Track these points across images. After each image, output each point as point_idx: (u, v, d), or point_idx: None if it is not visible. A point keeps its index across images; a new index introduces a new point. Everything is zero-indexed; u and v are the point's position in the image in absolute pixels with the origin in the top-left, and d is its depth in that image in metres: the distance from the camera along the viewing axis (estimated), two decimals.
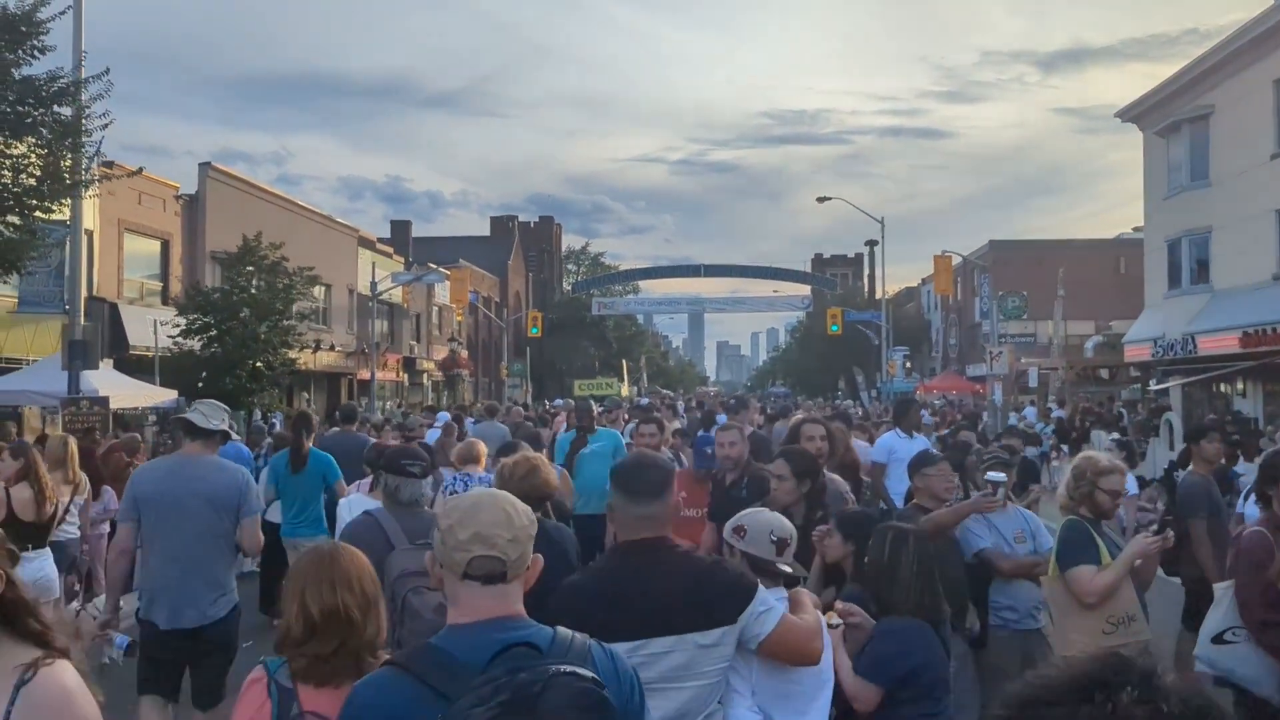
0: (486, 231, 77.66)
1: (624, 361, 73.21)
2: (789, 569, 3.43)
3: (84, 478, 8.50)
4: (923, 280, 67.22)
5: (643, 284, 72.06)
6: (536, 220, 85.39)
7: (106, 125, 13.80)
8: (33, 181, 13.05)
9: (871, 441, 9.75)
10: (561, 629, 2.15)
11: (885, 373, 47.35)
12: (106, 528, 10.44)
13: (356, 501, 6.13)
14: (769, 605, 2.99)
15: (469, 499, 2.24)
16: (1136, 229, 54.38)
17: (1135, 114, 29.55)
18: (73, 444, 8.23)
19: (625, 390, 57.29)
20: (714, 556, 3.39)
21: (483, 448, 7.34)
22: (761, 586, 3.06)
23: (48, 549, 7.13)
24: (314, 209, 37.13)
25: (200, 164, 29.13)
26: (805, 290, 62.28)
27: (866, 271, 75.12)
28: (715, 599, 2.88)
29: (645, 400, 26.07)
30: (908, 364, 51.22)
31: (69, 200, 14.59)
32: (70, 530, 8.31)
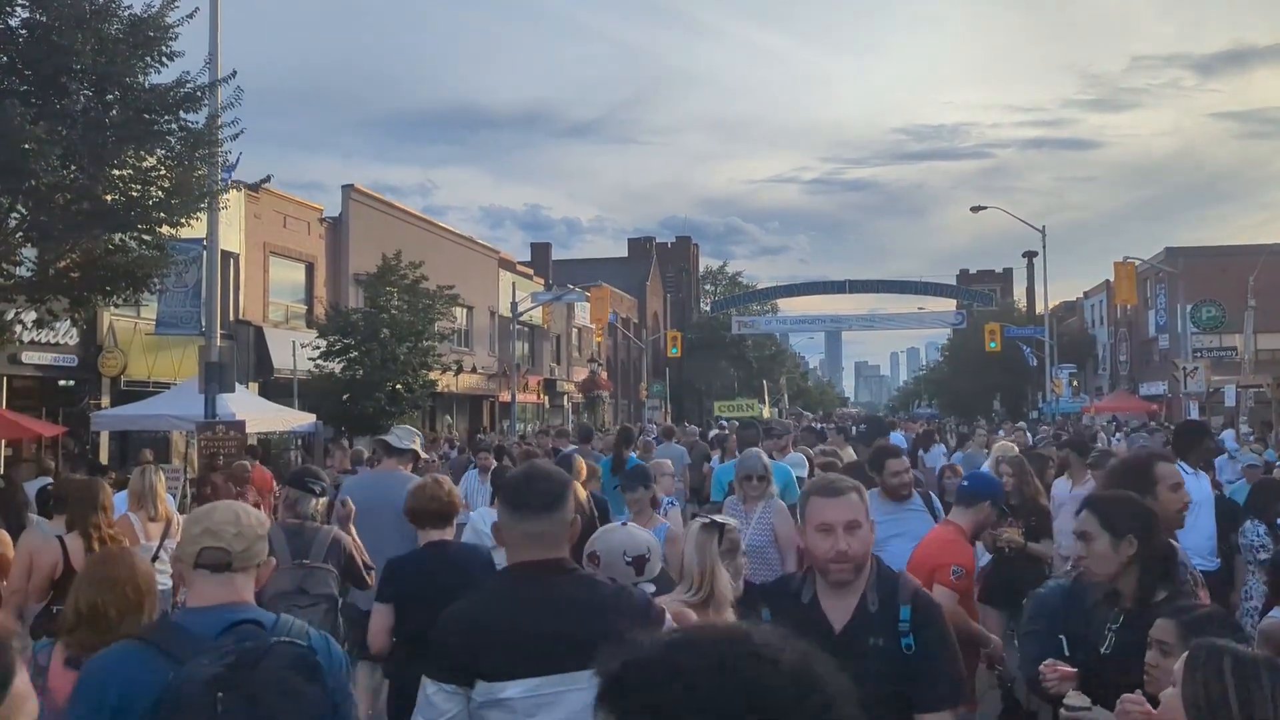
0: (623, 253, 77.15)
1: (764, 382, 71.24)
2: (654, 588, 3.10)
3: (176, 516, 7.34)
4: (1085, 294, 62.96)
5: (780, 304, 70.19)
6: (673, 241, 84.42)
7: (238, 134, 13.09)
8: (161, 194, 12.39)
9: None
10: (284, 616, 2.54)
11: (1050, 392, 44.02)
12: None
13: (487, 513, 6.85)
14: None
15: (207, 506, 2.70)
16: None
17: None
18: (155, 477, 7.07)
19: (766, 412, 55.44)
20: (618, 584, 2.84)
21: (668, 466, 8.15)
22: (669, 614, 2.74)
23: None
24: (455, 230, 36.87)
25: (343, 185, 29.03)
26: (951, 306, 59.33)
27: (1024, 285, 70.85)
28: (616, 629, 2.06)
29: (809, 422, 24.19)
30: (1074, 382, 47.59)
31: (202, 215, 13.95)
32: (160, 580, 7.16)
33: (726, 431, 16.31)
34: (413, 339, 22.02)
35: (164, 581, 7.12)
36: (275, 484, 14.13)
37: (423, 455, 7.81)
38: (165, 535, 7.09)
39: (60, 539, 5.66)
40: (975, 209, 45.98)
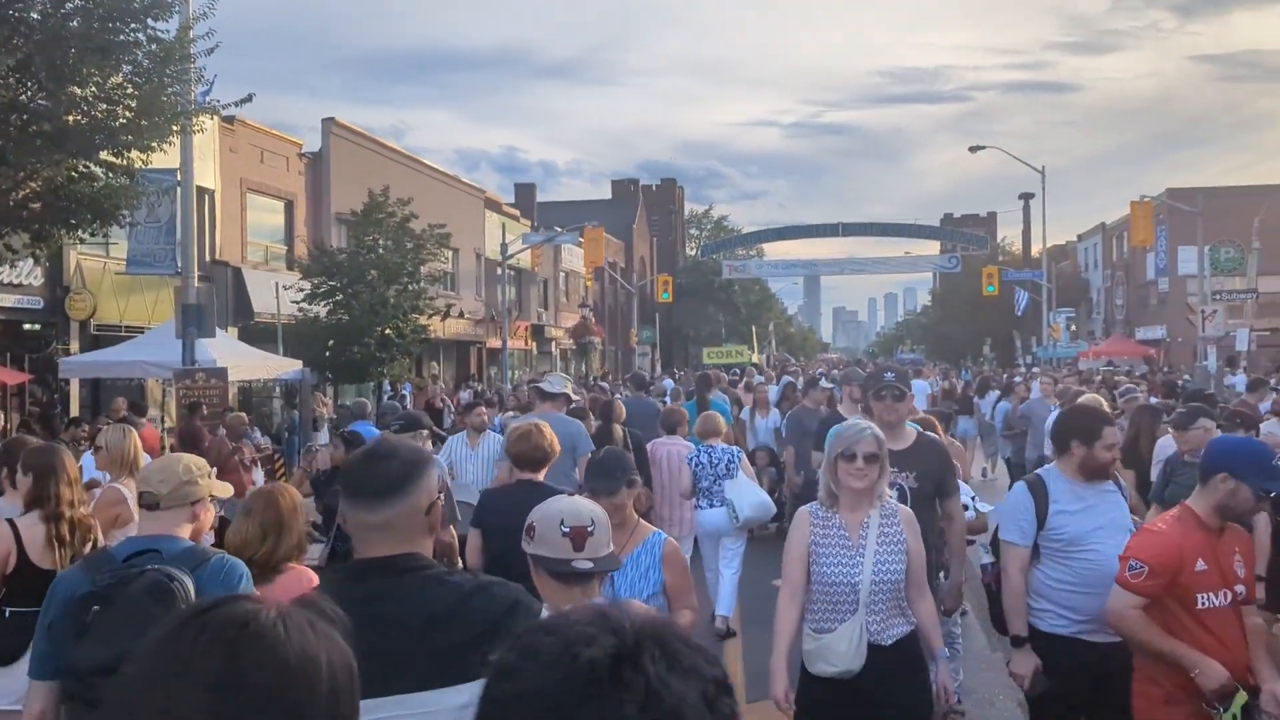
0: (606, 196, 75.50)
1: (753, 327, 70.33)
2: (589, 565, 2.65)
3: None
4: (1079, 236, 62.17)
5: (765, 248, 68.91)
6: (658, 183, 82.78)
7: (213, 48, 11.75)
8: (129, 115, 11.08)
9: None
10: (211, 548, 3.19)
11: (1047, 336, 43.29)
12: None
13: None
14: None
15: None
16: None
17: None
18: (133, 436, 5.91)
19: (756, 357, 54.52)
20: (486, 578, 2.33)
21: (721, 422, 8.42)
22: (546, 610, 2.30)
23: None
24: (441, 168, 35.37)
25: (324, 119, 27.50)
26: (935, 250, 58.21)
27: (1011, 230, 70.03)
28: (475, 638, 2.07)
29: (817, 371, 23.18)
30: (1072, 327, 46.91)
31: (175, 142, 12.64)
32: None
33: (761, 379, 15.22)
34: (403, 281, 20.80)
35: None
36: (251, 433, 13.10)
37: (573, 398, 8.58)
38: None
39: (11, 522, 4.55)
40: (974, 149, 44.82)
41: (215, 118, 16.77)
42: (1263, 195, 38.72)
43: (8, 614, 4.46)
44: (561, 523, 2.69)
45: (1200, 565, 3.41)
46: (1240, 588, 3.41)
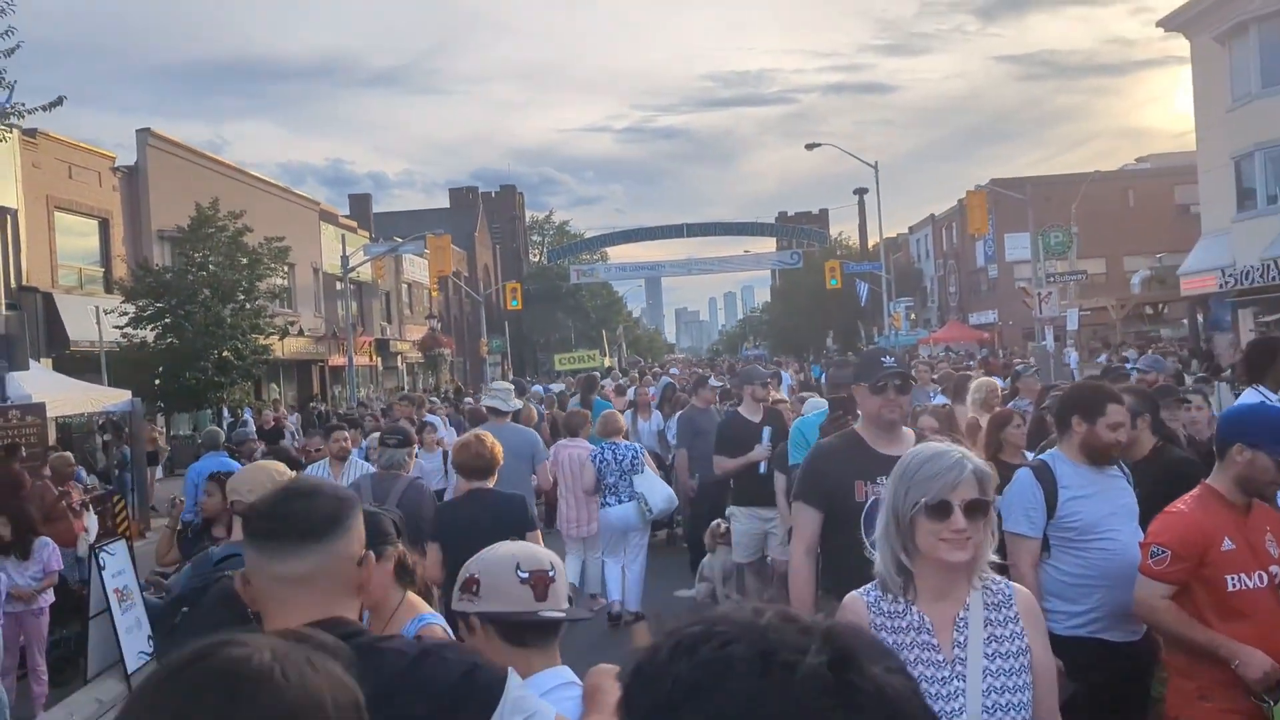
0: (444, 205, 73.85)
1: (603, 332, 70.22)
2: (561, 614, 2.19)
3: None
4: (910, 228, 64.78)
5: (608, 253, 68.88)
6: (498, 190, 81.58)
7: (14, 49, 10.46)
8: None
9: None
10: None
11: (889, 325, 44.75)
12: (47, 599, 7.27)
13: None
14: (531, 711, 1.84)
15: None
16: (1140, 159, 52.34)
17: (1183, 20, 26.83)
18: None
19: (608, 361, 54.34)
20: (432, 642, 2.01)
21: (622, 420, 8.67)
22: (515, 676, 1.88)
23: None
24: (271, 180, 33.53)
25: (139, 130, 25.49)
26: (771, 247, 59.58)
27: (845, 225, 72.52)
28: (428, 715, 1.75)
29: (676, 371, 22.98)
30: (911, 315, 48.71)
31: None
32: None
33: (673, 379, 14.77)
34: (239, 299, 19.40)
35: None
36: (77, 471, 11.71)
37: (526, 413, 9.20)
38: None
39: None
40: (810, 146, 45.84)
41: (15, 131, 15.16)
42: (1077, 183, 41.25)
43: None
44: (518, 567, 2.20)
45: (1227, 544, 3.13)
46: (1276, 568, 3.14)
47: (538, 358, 68.14)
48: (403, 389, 44.03)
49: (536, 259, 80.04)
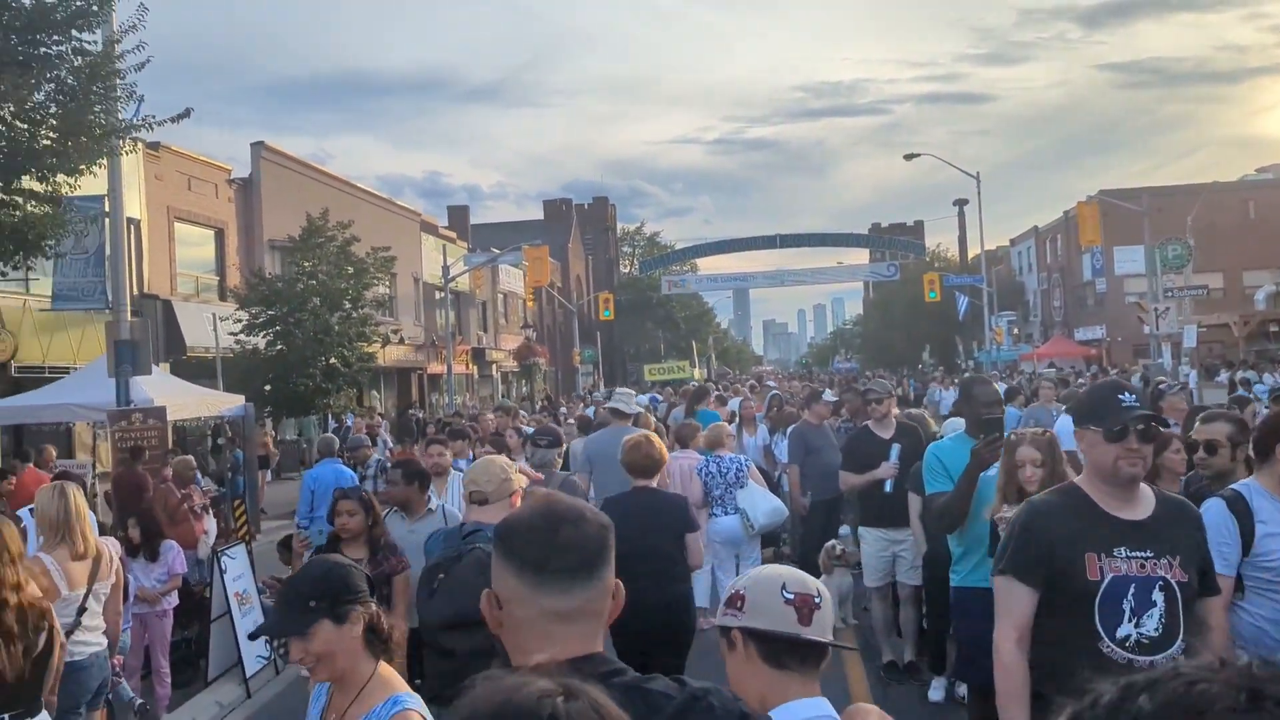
0: (537, 216, 74.64)
1: (693, 343, 70.02)
2: (825, 640, 2.10)
3: (106, 549, 5.26)
4: (1011, 241, 63.13)
5: (697, 264, 68.53)
6: (590, 202, 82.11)
7: (144, 64, 10.81)
8: (52, 136, 10.11)
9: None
10: None
11: (990, 340, 43.59)
12: (171, 601, 7.42)
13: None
14: None
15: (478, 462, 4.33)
16: (1261, 170, 50.08)
17: None
18: (77, 498, 4.99)
19: (697, 373, 54.11)
20: (697, 687, 1.71)
21: (727, 432, 8.86)
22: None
23: (43, 715, 3.89)
24: (374, 192, 34.30)
25: (253, 144, 26.33)
26: (865, 259, 58.48)
27: (944, 236, 70.89)
28: None
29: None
30: (1014, 330, 47.39)
31: (103, 164, 11.64)
32: (89, 643, 4.95)
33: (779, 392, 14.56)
34: (345, 307, 19.83)
35: (92, 642, 5.06)
36: (197, 477, 12.00)
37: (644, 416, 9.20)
38: (94, 578, 5.06)
39: None
40: (908, 156, 45.27)
41: (139, 144, 15.73)
42: (1193, 194, 39.60)
43: None
44: (784, 588, 2.15)
45: None
46: None
47: (627, 368, 68.33)
48: (500, 397, 44.55)
49: (627, 270, 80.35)
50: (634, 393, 8.45)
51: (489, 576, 2.74)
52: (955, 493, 4.35)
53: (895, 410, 7.30)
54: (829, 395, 10.95)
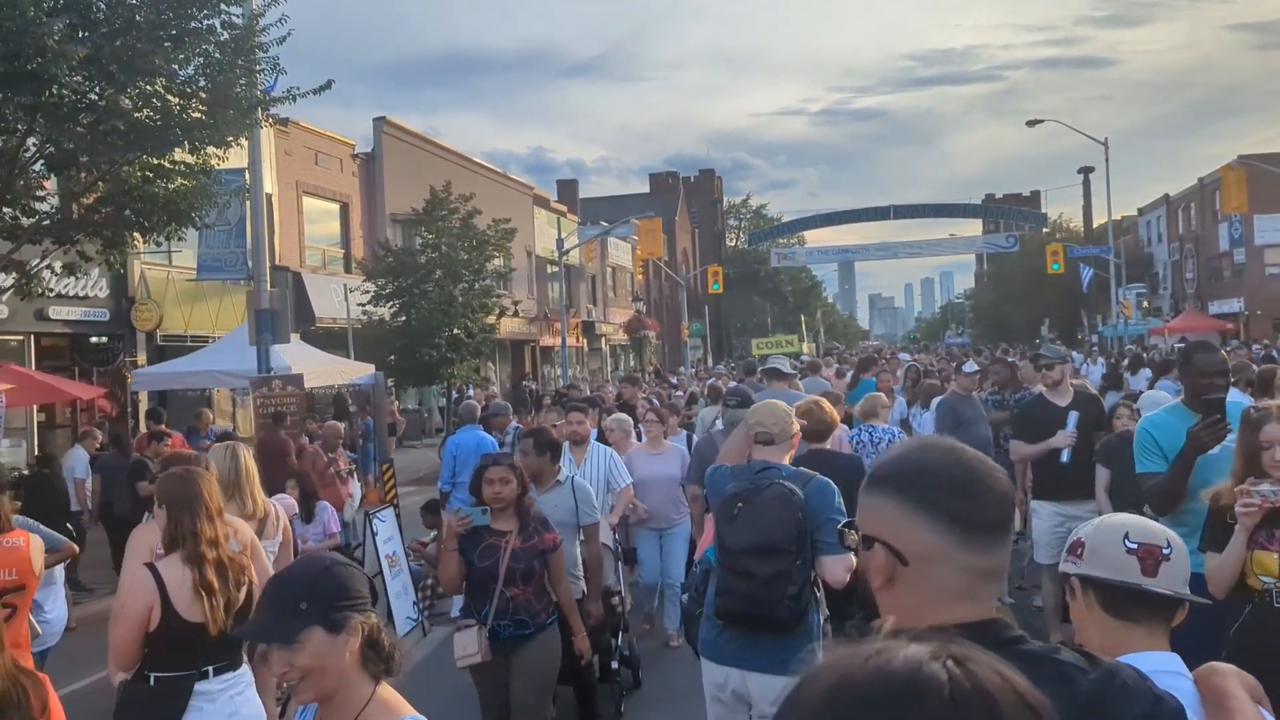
0: (644, 190, 74.52)
1: (801, 316, 69.20)
2: (1169, 593, 2.03)
3: (274, 509, 5.36)
4: (1140, 210, 60.38)
5: (803, 236, 67.47)
6: (696, 175, 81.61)
7: (285, 37, 11.01)
8: (202, 110, 10.39)
9: None
10: (804, 470, 4.00)
11: (1117, 313, 41.78)
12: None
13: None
14: None
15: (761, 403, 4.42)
16: None
17: None
18: (247, 458, 5.02)
19: (807, 348, 53.40)
20: (1110, 663, 1.55)
21: (883, 402, 8.49)
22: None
23: (244, 667, 3.94)
24: (490, 166, 34.68)
25: (375, 119, 26.86)
26: (978, 231, 56.50)
27: (1068, 206, 68.28)
28: None
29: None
30: (1144, 303, 45.37)
31: (246, 139, 11.94)
32: None
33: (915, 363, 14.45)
34: (468, 279, 20.09)
35: None
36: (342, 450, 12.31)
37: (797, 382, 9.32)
38: (260, 537, 5.13)
39: (152, 568, 3.76)
40: (1031, 123, 43.48)
41: (271, 120, 16.14)
42: None
43: (152, 680, 3.68)
44: (1126, 536, 2.10)
45: None
46: None
47: (733, 342, 67.96)
48: (609, 370, 44.82)
49: (734, 243, 79.75)
50: (786, 357, 8.86)
51: (791, 509, 3.75)
52: (1169, 477, 3.99)
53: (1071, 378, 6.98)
54: (970, 366, 10.59)
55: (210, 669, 3.74)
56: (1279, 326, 39.21)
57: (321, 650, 2.03)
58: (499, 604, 4.61)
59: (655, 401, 12.04)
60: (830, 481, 3.88)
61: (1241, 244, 40.68)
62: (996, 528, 1.50)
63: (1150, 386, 10.61)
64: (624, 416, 8.33)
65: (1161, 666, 1.90)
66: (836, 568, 3.68)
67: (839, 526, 1.68)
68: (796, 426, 4.18)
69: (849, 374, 16.71)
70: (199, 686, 3.70)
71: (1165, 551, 2.05)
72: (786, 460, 4.04)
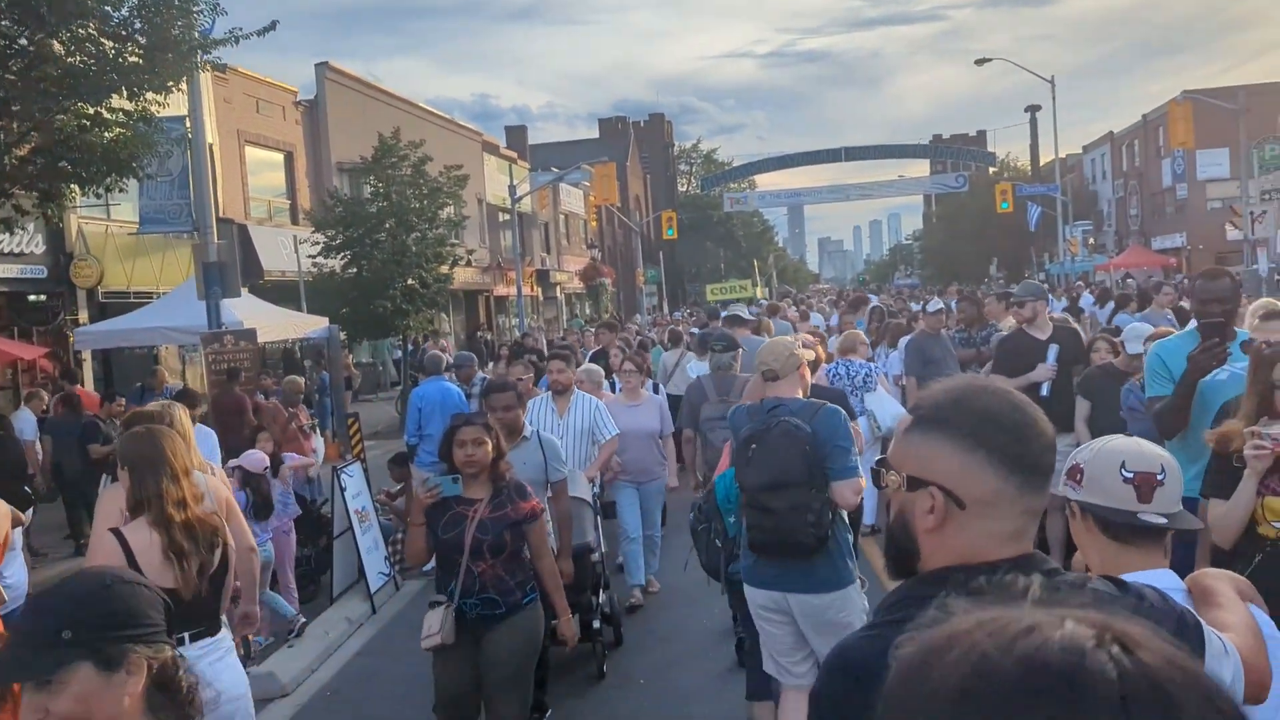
0: (593, 135, 73.60)
1: (754, 261, 69.26)
2: (1163, 521, 2.09)
3: (212, 464, 5.11)
4: (1084, 148, 60.96)
5: (754, 180, 67.16)
6: (646, 119, 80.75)
7: None
8: (139, 54, 9.91)
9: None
10: (814, 400, 4.22)
11: (1064, 251, 42.29)
12: (291, 510, 7.41)
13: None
14: (1222, 649, 1.71)
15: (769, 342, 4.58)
16: None
17: None
18: (183, 419, 4.77)
19: (759, 291, 53.47)
20: (1135, 585, 1.67)
21: (861, 338, 8.77)
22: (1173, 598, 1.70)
23: (224, 632, 3.78)
24: (438, 112, 33.89)
25: (317, 64, 26.04)
26: (925, 172, 56.67)
27: (1012, 146, 68.68)
28: None
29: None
30: (1090, 240, 45.94)
31: (186, 84, 11.44)
32: None
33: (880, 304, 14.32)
34: (421, 229, 19.65)
35: None
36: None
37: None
38: None
39: (117, 533, 3.56)
40: (979, 62, 43.38)
41: (208, 66, 15.53)
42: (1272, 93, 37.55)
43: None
44: (1123, 465, 2.14)
45: None
46: None
47: (687, 288, 67.84)
48: (565, 319, 44.54)
49: (685, 188, 79.24)
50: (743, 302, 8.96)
51: (797, 443, 3.95)
52: (1172, 401, 4.03)
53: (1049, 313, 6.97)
54: (935, 304, 10.56)
55: (186, 635, 3.57)
56: (1221, 260, 39.97)
57: (89, 692, 1.62)
58: (465, 580, 4.16)
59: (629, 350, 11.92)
60: (838, 409, 4.06)
61: (1184, 179, 41.32)
62: (1049, 470, 1.49)
63: (1109, 320, 10.70)
64: (594, 367, 8.08)
65: (1159, 583, 1.96)
66: (845, 491, 3.93)
67: (872, 467, 1.64)
68: (803, 358, 4.32)
69: (810, 315, 16.76)
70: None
71: (1160, 477, 2.11)
72: (799, 393, 4.21)
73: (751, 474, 3.98)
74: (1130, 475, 2.12)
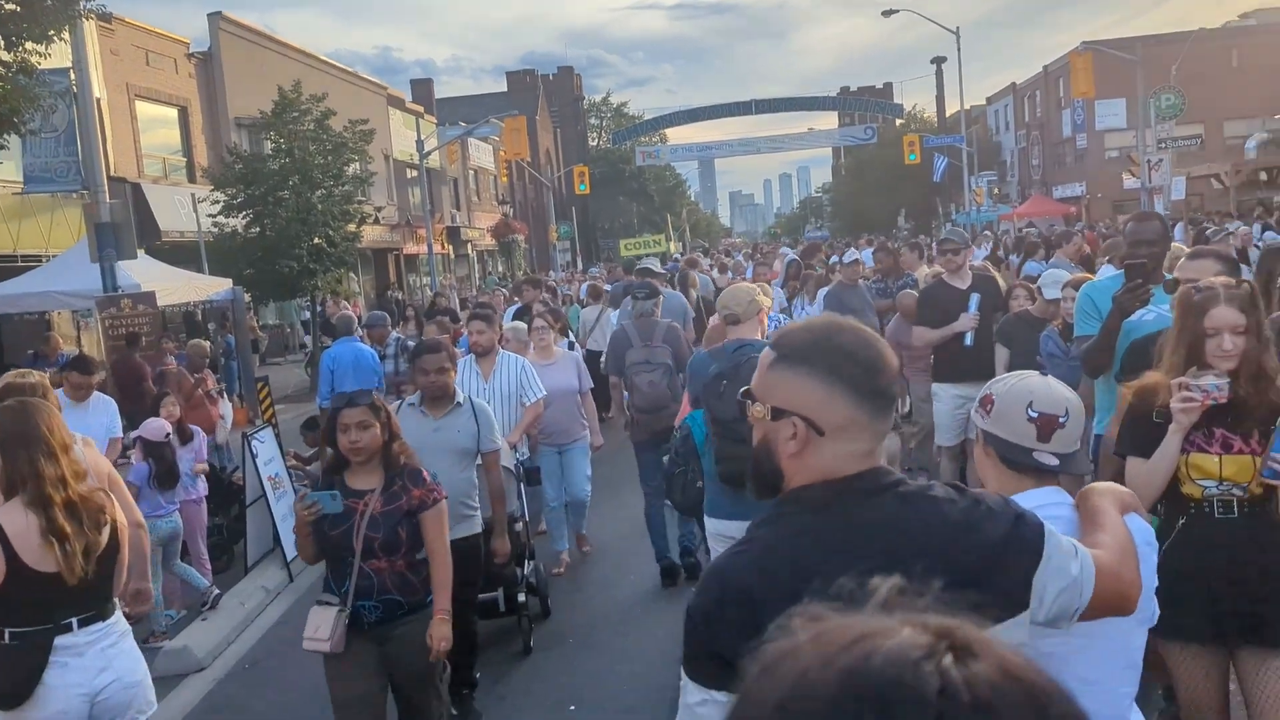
0: (501, 89, 72.24)
1: (667, 215, 69.14)
2: (1055, 462, 2.18)
3: (89, 440, 4.73)
4: (988, 99, 62.14)
5: (665, 134, 66.88)
6: (555, 72, 79.52)
7: None
8: (16, 1, 9.29)
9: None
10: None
11: (970, 201, 43.19)
12: (204, 487, 7.14)
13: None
14: (1069, 552, 1.70)
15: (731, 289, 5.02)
16: (1244, 16, 49.13)
17: None
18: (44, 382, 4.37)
19: (673, 246, 53.46)
20: (975, 491, 1.76)
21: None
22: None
23: (116, 616, 3.55)
24: (341, 65, 32.80)
25: (210, 14, 24.86)
26: (834, 124, 56.97)
27: (920, 97, 69.61)
28: (987, 570, 1.58)
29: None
30: (995, 190, 46.97)
31: (67, 35, 10.79)
32: None
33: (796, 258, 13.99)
34: (327, 185, 19.04)
35: None
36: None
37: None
38: None
39: None
40: (886, 13, 43.72)
41: (92, 15, 14.72)
42: (1176, 43, 38.72)
43: (7, 637, 3.30)
44: (1030, 405, 2.21)
45: None
46: None
47: (600, 244, 67.51)
48: (477, 277, 43.92)
49: (596, 143, 78.53)
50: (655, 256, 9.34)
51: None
52: (1097, 341, 4.07)
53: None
54: (851, 255, 10.64)
55: (74, 621, 3.36)
56: (1118, 208, 41.28)
57: None
58: (359, 581, 3.74)
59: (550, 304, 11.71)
60: None
61: (1083, 129, 42.42)
62: (894, 398, 1.70)
63: (1018, 270, 10.92)
64: (520, 325, 7.75)
65: (1046, 500, 2.09)
66: None
67: (738, 399, 1.78)
68: (759, 303, 4.65)
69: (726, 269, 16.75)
70: (61, 641, 3.32)
71: (1061, 420, 2.17)
72: (759, 335, 4.54)
73: (725, 406, 4.07)
74: (1035, 415, 2.19)
